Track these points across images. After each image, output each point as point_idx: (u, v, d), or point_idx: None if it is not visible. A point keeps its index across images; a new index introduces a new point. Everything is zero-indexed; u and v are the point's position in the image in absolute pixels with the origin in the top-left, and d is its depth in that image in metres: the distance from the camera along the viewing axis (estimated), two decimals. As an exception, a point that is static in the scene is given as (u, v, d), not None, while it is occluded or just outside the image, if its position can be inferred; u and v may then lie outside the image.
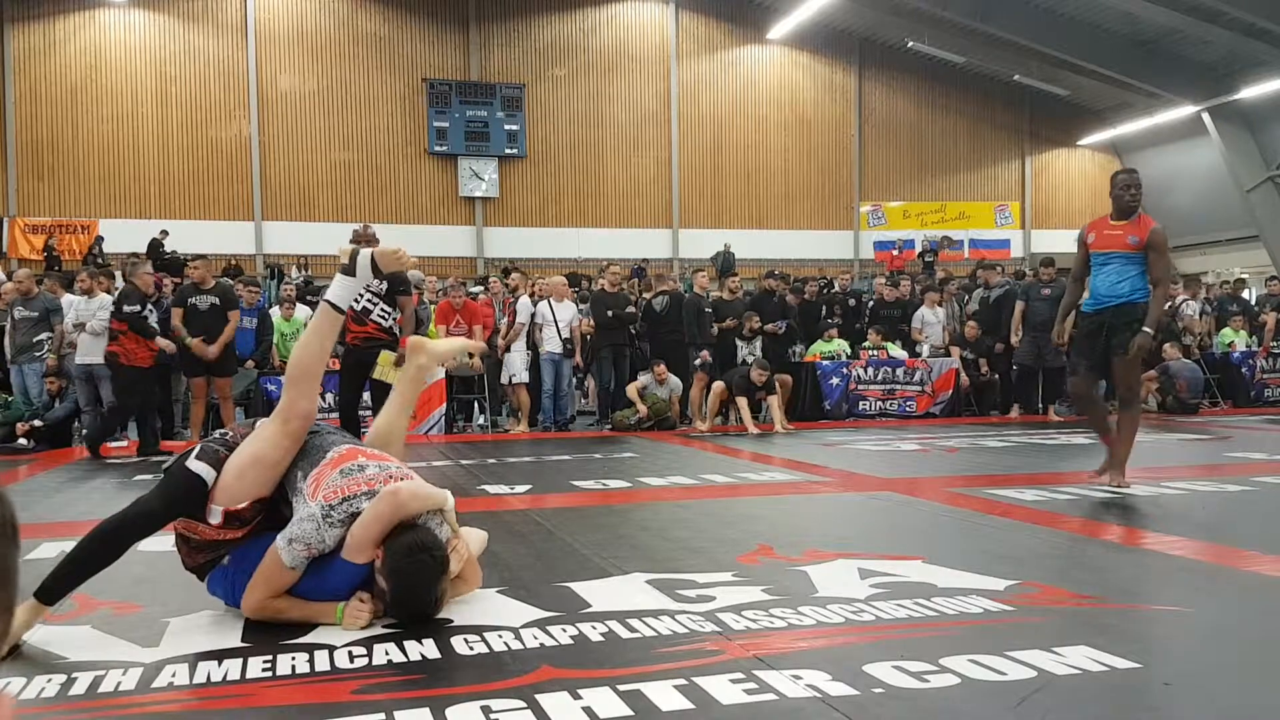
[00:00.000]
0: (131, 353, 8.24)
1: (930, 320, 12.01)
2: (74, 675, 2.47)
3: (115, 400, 8.56)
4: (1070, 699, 2.21)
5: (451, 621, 2.88)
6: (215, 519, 2.88)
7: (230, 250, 19.55)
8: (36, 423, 9.01)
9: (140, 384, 8.36)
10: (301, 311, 11.17)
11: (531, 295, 10.77)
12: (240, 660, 2.57)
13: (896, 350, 11.61)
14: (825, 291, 14.15)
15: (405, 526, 2.81)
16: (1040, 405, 11.18)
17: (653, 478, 6.31)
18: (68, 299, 9.81)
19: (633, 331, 10.97)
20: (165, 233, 18.52)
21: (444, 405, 10.19)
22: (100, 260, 17.21)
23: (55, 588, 2.81)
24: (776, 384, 9.86)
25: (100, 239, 19.34)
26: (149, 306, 8.32)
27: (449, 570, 2.84)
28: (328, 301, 3.23)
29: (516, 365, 10.26)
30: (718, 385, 9.92)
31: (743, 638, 2.67)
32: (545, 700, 2.21)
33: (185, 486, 2.89)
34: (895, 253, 22.87)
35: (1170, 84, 21.14)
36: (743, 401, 9.62)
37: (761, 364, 9.69)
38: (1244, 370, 12.55)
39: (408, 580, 2.75)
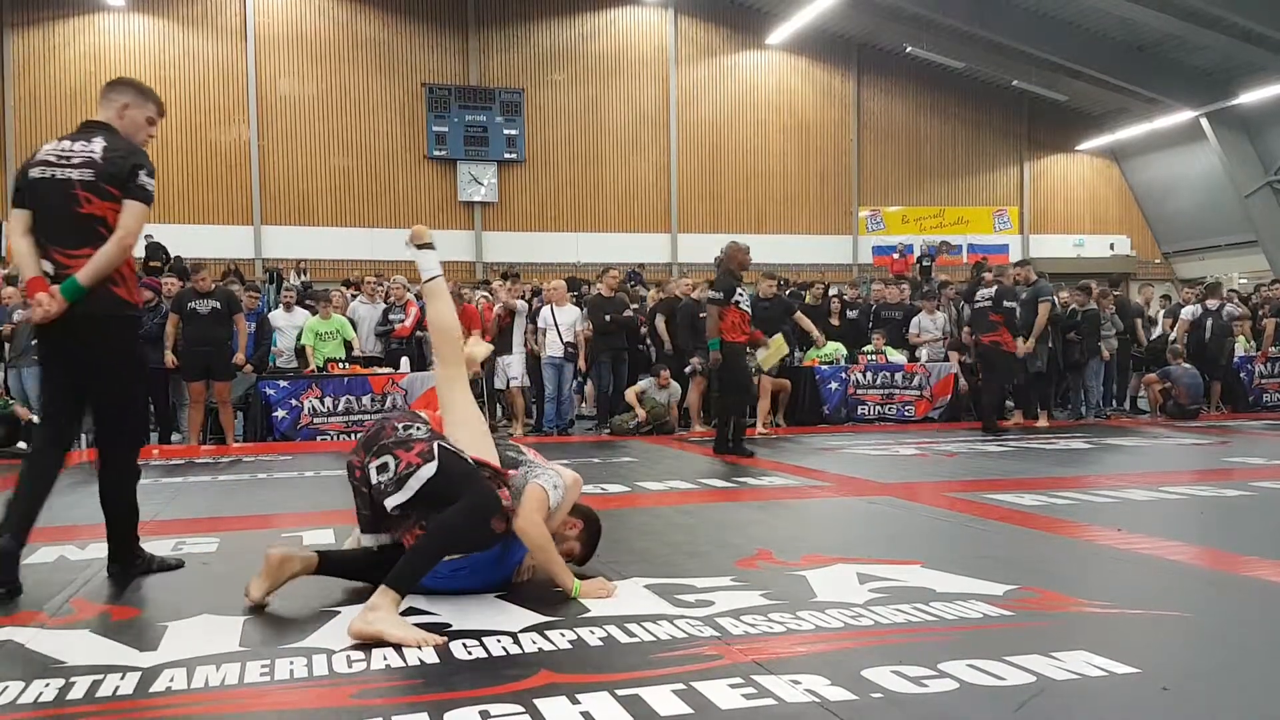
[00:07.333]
0: (1008, 341, 9.42)
1: (928, 327, 11.98)
2: (72, 680, 2.47)
3: (996, 379, 9.76)
4: (1069, 704, 2.21)
5: (450, 626, 2.88)
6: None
7: (229, 255, 19.52)
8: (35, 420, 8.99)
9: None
10: (299, 315, 11.09)
11: (531, 300, 10.79)
12: (238, 665, 2.57)
13: (895, 355, 11.60)
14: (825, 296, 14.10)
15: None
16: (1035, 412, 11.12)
17: (651, 482, 6.31)
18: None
19: (635, 334, 10.97)
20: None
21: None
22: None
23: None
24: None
25: None
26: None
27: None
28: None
29: (516, 369, 10.26)
30: (767, 381, 10.05)
31: (741, 642, 2.68)
32: (544, 705, 2.21)
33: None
34: (896, 256, 22.87)
35: (1168, 89, 21.18)
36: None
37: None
38: (1243, 375, 12.54)
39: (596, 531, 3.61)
